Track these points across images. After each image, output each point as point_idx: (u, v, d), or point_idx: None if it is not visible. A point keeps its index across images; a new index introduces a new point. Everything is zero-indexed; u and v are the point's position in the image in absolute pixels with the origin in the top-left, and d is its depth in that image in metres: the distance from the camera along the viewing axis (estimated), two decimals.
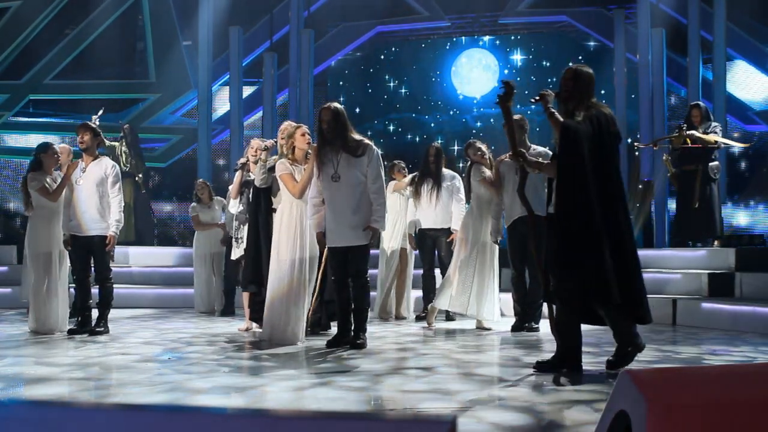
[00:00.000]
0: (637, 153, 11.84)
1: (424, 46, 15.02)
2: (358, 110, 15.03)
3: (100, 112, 9.72)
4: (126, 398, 3.85)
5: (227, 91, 13.85)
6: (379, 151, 5.87)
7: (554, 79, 14.32)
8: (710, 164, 8.81)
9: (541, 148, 7.00)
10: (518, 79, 14.40)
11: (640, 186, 11.39)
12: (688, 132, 8.76)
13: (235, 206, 7.26)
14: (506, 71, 14.42)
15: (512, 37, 14.54)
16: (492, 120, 14.03)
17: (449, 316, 7.76)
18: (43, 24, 13.97)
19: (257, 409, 2.83)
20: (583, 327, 7.01)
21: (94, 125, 6.83)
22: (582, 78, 4.71)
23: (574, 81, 4.71)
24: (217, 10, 13.58)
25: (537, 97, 4.85)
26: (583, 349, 5.61)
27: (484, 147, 7.27)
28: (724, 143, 9.17)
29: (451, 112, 14.72)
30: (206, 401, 3.72)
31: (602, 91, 13.89)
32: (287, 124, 6.62)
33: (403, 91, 14.94)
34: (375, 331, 6.46)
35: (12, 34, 13.93)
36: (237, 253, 7.30)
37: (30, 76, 14.03)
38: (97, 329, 6.44)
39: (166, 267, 10.56)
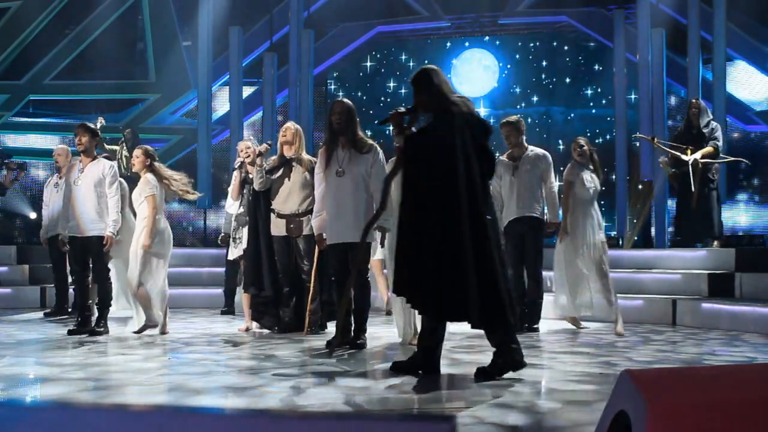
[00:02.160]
0: (638, 144, 11.78)
1: (424, 45, 15.03)
2: (357, 111, 15.00)
3: (100, 122, 9.73)
4: (126, 398, 3.85)
5: (227, 91, 13.85)
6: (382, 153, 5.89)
7: (554, 79, 14.35)
8: (709, 167, 8.82)
9: (539, 150, 7.00)
10: (517, 80, 14.40)
11: (640, 186, 11.39)
12: (691, 157, 8.71)
13: (234, 207, 7.24)
14: (505, 74, 14.41)
15: (512, 38, 14.54)
16: (492, 120, 14.03)
17: None
18: (43, 24, 13.95)
19: (257, 409, 2.83)
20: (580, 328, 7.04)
21: (93, 126, 6.84)
22: (416, 82, 4.40)
23: (415, 88, 4.42)
24: (217, 10, 13.57)
25: (385, 119, 4.53)
26: (582, 349, 5.63)
27: None
28: (720, 162, 9.06)
29: None
30: (206, 401, 3.72)
31: (599, 90, 13.91)
32: (291, 124, 6.63)
33: (403, 91, 14.93)
34: (375, 331, 6.45)
35: (12, 34, 13.91)
36: (235, 253, 7.29)
37: (30, 76, 14.02)
38: (97, 329, 6.44)
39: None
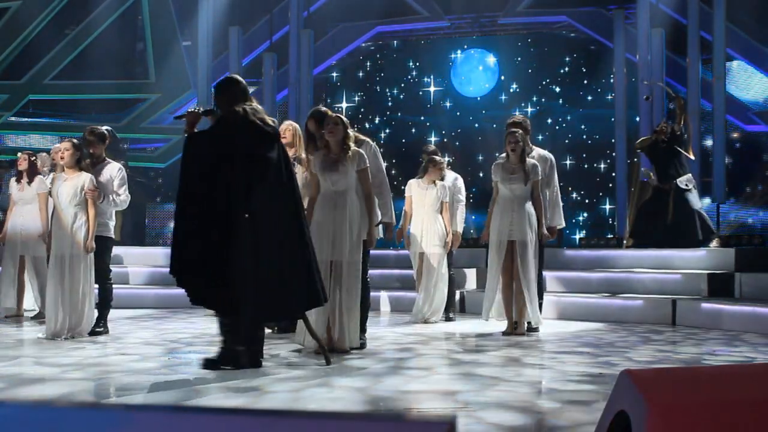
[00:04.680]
0: (639, 151, 11.80)
1: (423, 43, 15.02)
2: (357, 111, 15.03)
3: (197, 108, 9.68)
4: (126, 398, 3.85)
5: None
6: (377, 147, 5.87)
7: (554, 79, 14.35)
8: (678, 179, 9.02)
9: (542, 151, 6.98)
10: (517, 80, 14.40)
11: (633, 188, 11.42)
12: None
13: None
14: (503, 77, 14.40)
15: (512, 38, 14.54)
16: (491, 120, 14.04)
17: (449, 317, 7.75)
18: (43, 24, 13.96)
19: (257, 409, 2.82)
20: (580, 327, 7.03)
21: (101, 130, 6.81)
22: (215, 87, 4.86)
23: (214, 93, 4.88)
24: (217, 10, 13.58)
25: (181, 115, 4.94)
26: (582, 349, 5.63)
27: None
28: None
29: (451, 113, 14.73)
30: (206, 401, 3.72)
31: (599, 90, 13.91)
32: (289, 125, 6.60)
33: (402, 91, 14.94)
34: (375, 331, 6.46)
35: (12, 34, 13.92)
36: None
37: (30, 76, 14.02)
38: (97, 329, 6.44)
39: (166, 267, 10.53)
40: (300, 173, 6.46)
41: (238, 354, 4.61)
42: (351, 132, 5.51)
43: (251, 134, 4.60)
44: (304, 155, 6.55)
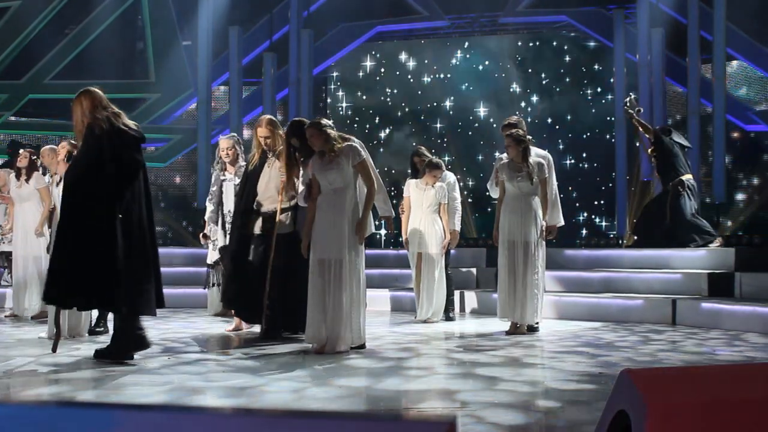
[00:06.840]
0: (637, 144, 11.82)
1: (423, 43, 15.02)
2: (357, 111, 15.03)
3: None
4: (126, 398, 3.85)
5: (227, 91, 13.85)
6: (362, 143, 5.86)
7: (554, 79, 14.35)
8: (672, 182, 9.04)
9: (540, 150, 6.99)
10: (517, 80, 14.40)
11: (633, 187, 11.43)
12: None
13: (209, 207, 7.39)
14: (504, 74, 14.40)
15: (512, 37, 14.54)
16: (491, 120, 14.03)
17: (449, 317, 7.75)
18: (43, 24, 13.96)
19: (257, 409, 2.83)
20: (580, 327, 7.03)
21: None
22: (76, 104, 4.94)
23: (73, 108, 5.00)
24: (217, 10, 13.58)
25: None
26: (582, 349, 5.63)
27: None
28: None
29: (451, 113, 14.72)
30: (206, 401, 3.72)
31: (599, 90, 13.92)
32: (267, 131, 6.45)
33: (402, 91, 14.93)
34: (375, 331, 6.46)
35: (12, 34, 13.92)
36: (213, 256, 7.32)
37: (30, 76, 14.03)
38: (97, 329, 6.44)
39: (166, 267, 10.52)
40: (277, 168, 6.37)
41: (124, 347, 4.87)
42: (332, 131, 5.49)
43: (119, 139, 4.81)
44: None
